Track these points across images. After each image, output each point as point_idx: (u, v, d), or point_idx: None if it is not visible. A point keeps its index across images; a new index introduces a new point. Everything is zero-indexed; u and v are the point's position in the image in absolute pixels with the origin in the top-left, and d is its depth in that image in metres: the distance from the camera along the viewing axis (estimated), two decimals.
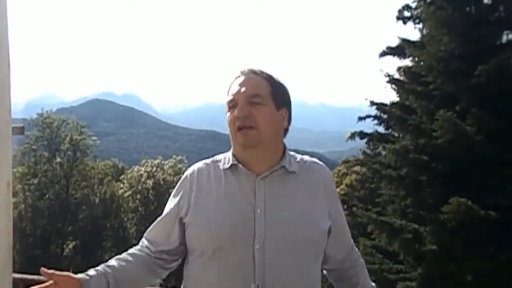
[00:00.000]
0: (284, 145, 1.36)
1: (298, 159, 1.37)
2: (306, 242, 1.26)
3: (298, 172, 1.33)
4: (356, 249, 1.50)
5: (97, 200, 26.46)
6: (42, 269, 1.17)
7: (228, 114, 1.31)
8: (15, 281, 2.00)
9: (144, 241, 1.40)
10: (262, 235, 1.22)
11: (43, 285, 1.17)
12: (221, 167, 1.33)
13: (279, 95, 1.33)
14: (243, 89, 1.29)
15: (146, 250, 1.36)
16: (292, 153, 1.37)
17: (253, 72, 1.34)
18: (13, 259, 1.27)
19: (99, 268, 1.26)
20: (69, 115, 30.62)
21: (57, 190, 25.02)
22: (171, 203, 1.37)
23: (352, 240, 1.48)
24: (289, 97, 1.37)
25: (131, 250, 1.37)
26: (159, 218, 1.39)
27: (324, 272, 1.46)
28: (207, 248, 1.25)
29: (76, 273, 1.24)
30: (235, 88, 1.31)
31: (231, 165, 1.31)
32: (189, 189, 1.33)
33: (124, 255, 1.35)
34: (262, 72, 1.34)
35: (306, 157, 1.40)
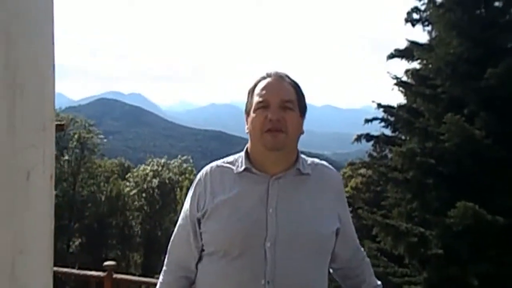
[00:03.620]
0: (298, 150, 1.41)
1: (309, 162, 1.41)
2: (315, 241, 1.30)
3: (311, 174, 1.37)
4: (362, 249, 1.55)
5: (103, 198, 26.66)
6: None
7: (256, 114, 1.32)
8: None
9: (174, 268, 1.41)
10: (274, 233, 1.26)
11: None
12: (234, 171, 1.35)
13: (302, 103, 1.39)
14: (277, 93, 1.32)
15: (183, 281, 1.39)
16: (303, 156, 1.42)
17: (281, 76, 1.38)
18: None
19: None
20: (77, 114, 30.89)
21: (65, 187, 25.21)
22: (187, 208, 1.39)
23: (358, 241, 1.52)
24: (306, 105, 1.42)
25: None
26: (179, 233, 1.41)
27: (331, 270, 1.50)
28: (220, 246, 1.29)
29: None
30: (267, 90, 1.33)
31: (245, 169, 1.34)
32: (204, 190, 1.36)
33: None
34: (289, 78, 1.39)
35: (317, 160, 1.45)
